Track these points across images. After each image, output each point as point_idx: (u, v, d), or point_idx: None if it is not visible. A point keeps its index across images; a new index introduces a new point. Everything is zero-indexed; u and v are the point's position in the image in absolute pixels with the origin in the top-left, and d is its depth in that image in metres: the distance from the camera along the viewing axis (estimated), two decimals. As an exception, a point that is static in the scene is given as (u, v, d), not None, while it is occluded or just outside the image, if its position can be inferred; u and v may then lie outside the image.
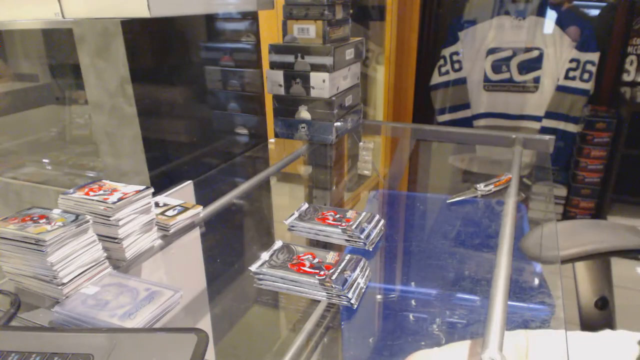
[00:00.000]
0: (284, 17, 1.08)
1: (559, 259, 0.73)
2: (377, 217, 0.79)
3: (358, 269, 0.63)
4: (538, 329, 0.67)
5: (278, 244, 0.71)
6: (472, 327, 0.67)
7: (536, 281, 0.72)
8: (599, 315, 0.78)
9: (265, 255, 0.67)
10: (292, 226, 0.78)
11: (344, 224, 0.75)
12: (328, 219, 0.77)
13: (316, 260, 0.64)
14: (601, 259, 0.80)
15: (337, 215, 0.78)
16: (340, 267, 0.62)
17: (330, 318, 0.76)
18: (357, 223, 0.75)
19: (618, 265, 0.82)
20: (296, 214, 0.81)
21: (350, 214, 0.79)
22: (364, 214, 0.79)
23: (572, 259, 0.79)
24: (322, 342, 0.78)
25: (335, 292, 0.58)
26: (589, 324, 0.79)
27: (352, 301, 0.58)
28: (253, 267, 0.64)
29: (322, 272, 0.60)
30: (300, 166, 1.22)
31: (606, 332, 0.68)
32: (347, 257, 0.65)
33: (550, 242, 0.73)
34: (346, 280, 0.59)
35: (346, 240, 0.74)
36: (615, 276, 0.80)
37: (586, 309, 0.79)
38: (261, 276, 0.63)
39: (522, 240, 0.81)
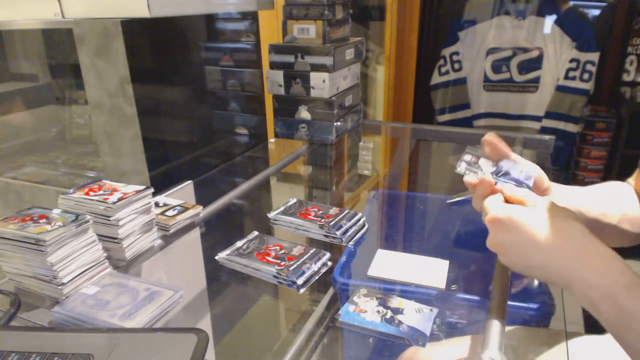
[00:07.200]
0: (284, 17, 1.08)
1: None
2: (359, 214, 0.80)
3: (319, 262, 0.66)
4: (538, 329, 0.67)
5: (253, 234, 0.74)
6: (472, 327, 0.67)
7: (536, 281, 0.72)
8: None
9: (238, 243, 0.71)
10: (275, 220, 0.79)
11: (323, 220, 0.76)
12: (310, 215, 0.79)
13: (282, 252, 0.68)
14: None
15: (320, 212, 0.80)
16: (302, 260, 0.66)
17: (330, 318, 0.76)
18: (336, 220, 0.76)
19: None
20: (281, 208, 0.82)
21: (332, 210, 0.80)
22: (346, 211, 0.80)
23: None
24: (322, 342, 0.78)
25: (287, 280, 0.63)
26: (593, 327, 0.78)
27: (300, 288, 0.63)
28: (222, 254, 0.69)
29: (282, 263, 0.65)
30: (300, 166, 1.22)
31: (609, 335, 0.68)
32: (312, 250, 0.68)
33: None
34: (303, 272, 0.63)
35: (324, 235, 0.75)
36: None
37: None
38: (226, 262, 0.68)
39: None
